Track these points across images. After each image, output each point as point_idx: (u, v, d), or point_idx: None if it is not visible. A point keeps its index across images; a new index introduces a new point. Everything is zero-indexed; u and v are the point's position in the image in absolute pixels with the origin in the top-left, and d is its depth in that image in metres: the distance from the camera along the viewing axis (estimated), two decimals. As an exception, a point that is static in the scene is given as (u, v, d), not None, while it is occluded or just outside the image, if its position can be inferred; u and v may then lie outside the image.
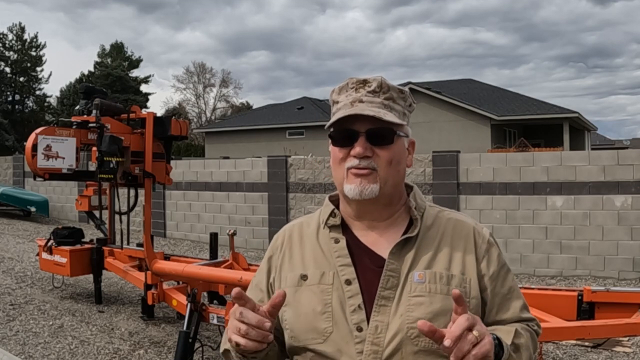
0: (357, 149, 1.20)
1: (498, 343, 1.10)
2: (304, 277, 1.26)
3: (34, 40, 37.48)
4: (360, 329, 1.17)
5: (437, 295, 1.18)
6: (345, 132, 1.23)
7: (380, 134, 1.21)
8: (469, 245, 1.26)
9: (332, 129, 1.25)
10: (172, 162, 6.49)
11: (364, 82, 1.25)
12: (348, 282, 1.21)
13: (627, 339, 4.96)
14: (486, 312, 1.25)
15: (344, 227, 1.29)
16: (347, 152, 1.23)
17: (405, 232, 1.25)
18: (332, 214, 1.30)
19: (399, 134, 1.24)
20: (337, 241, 1.27)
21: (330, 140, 1.27)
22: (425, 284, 1.19)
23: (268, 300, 1.31)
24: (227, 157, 12.94)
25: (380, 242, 1.25)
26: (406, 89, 1.30)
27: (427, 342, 1.15)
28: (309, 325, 1.21)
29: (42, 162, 4.96)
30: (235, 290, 1.07)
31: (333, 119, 1.23)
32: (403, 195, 1.31)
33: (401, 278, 1.20)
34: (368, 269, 1.23)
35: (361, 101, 1.23)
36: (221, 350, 1.30)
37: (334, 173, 1.28)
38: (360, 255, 1.25)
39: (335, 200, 1.34)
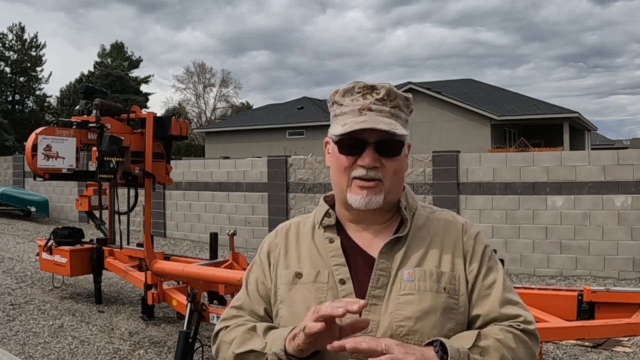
0: (367, 160, 1.19)
1: (441, 347, 1.08)
2: (298, 275, 1.26)
3: (34, 40, 37.49)
4: None
5: (427, 293, 1.18)
6: (353, 141, 1.21)
7: (390, 146, 1.21)
8: (457, 243, 1.26)
9: (339, 136, 1.23)
10: (172, 162, 6.49)
11: (372, 89, 1.23)
12: (342, 282, 1.22)
13: (627, 339, 4.96)
14: (470, 309, 1.23)
15: (339, 227, 1.30)
16: (354, 161, 1.21)
17: (396, 232, 1.26)
18: (326, 214, 1.31)
19: (404, 143, 1.25)
20: (331, 241, 1.27)
21: (335, 147, 1.25)
22: (415, 282, 1.19)
23: (272, 287, 1.31)
24: (227, 157, 12.95)
25: (373, 243, 1.26)
26: (410, 95, 1.29)
27: (416, 340, 1.16)
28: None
29: (42, 162, 4.96)
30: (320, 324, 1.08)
31: (343, 128, 1.20)
32: (400, 198, 1.31)
33: (391, 277, 1.21)
34: (361, 269, 1.23)
35: (370, 109, 1.21)
36: (240, 350, 1.25)
37: (337, 179, 1.26)
38: (354, 256, 1.26)
39: (329, 201, 1.34)
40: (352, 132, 1.20)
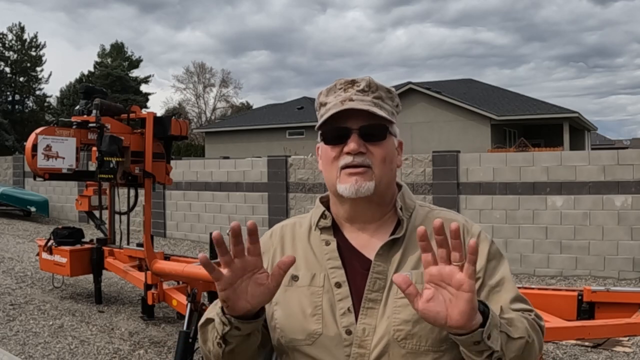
0: (351, 145, 1.19)
1: (481, 303, 1.05)
2: (294, 278, 1.24)
3: (34, 40, 37.48)
4: (349, 332, 1.16)
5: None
6: (337, 130, 1.21)
7: (373, 131, 1.21)
8: None
9: (322, 129, 1.24)
10: (172, 162, 6.49)
11: (353, 82, 1.25)
12: (338, 285, 1.20)
13: (627, 339, 4.96)
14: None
15: (335, 229, 1.28)
16: (340, 150, 1.21)
17: (392, 233, 1.24)
18: (322, 216, 1.29)
19: (390, 130, 1.24)
20: (327, 243, 1.26)
21: (321, 140, 1.26)
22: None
23: None
24: (227, 157, 12.94)
25: (369, 245, 1.24)
26: (393, 88, 1.29)
27: (414, 344, 1.14)
28: (298, 326, 1.20)
29: (42, 162, 4.96)
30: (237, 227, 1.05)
31: (325, 116, 1.22)
32: (395, 195, 1.29)
33: (388, 280, 1.19)
34: (357, 272, 1.21)
35: (351, 100, 1.22)
36: (200, 322, 1.25)
37: (326, 173, 1.26)
38: (350, 258, 1.24)
39: (326, 202, 1.32)
40: (334, 122, 1.20)
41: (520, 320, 1.13)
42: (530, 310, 1.21)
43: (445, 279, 1.00)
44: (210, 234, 5.42)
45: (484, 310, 1.04)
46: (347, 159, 1.20)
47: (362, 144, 1.20)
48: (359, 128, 1.20)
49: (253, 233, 1.05)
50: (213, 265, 1.05)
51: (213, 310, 1.22)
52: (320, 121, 1.23)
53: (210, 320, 1.21)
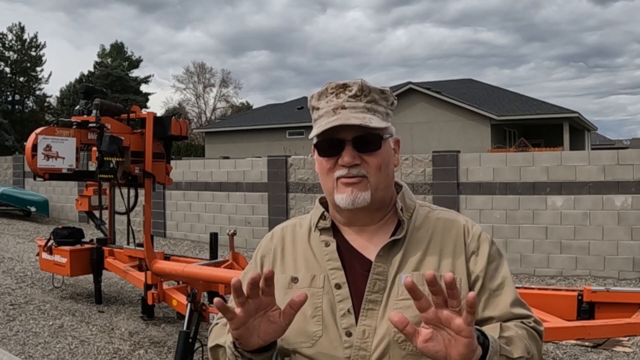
0: (346, 158, 1.18)
1: (481, 334, 1.05)
2: (294, 280, 1.24)
3: (34, 40, 37.47)
4: (349, 334, 1.16)
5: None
6: (331, 142, 1.20)
7: (367, 141, 1.19)
8: (458, 244, 1.22)
9: (316, 139, 1.22)
10: (172, 162, 6.49)
11: (344, 87, 1.22)
12: (338, 286, 1.20)
13: (627, 339, 4.96)
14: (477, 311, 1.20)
15: (335, 230, 1.27)
16: (335, 162, 1.20)
17: (393, 234, 1.23)
18: (322, 217, 1.28)
19: (385, 137, 1.22)
20: (327, 244, 1.25)
21: (315, 150, 1.25)
22: None
23: None
24: (227, 157, 12.94)
25: (370, 246, 1.23)
26: (387, 88, 1.27)
27: (414, 347, 1.12)
28: (298, 328, 1.19)
29: (42, 162, 4.96)
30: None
31: (317, 129, 1.20)
32: (394, 196, 1.28)
33: (388, 281, 1.18)
34: (357, 273, 1.21)
35: (344, 107, 1.20)
36: (210, 345, 1.25)
37: (323, 183, 1.25)
38: (350, 259, 1.23)
39: (325, 203, 1.31)
40: (328, 133, 1.19)
41: (519, 337, 1.13)
42: (529, 316, 1.21)
43: (443, 322, 1.00)
44: (211, 234, 5.35)
45: (484, 342, 1.04)
46: (342, 171, 1.19)
47: (356, 156, 1.19)
48: (352, 139, 1.19)
49: (269, 278, 1.05)
50: (228, 307, 1.05)
51: (221, 334, 1.22)
52: (312, 133, 1.22)
53: (220, 346, 1.21)
